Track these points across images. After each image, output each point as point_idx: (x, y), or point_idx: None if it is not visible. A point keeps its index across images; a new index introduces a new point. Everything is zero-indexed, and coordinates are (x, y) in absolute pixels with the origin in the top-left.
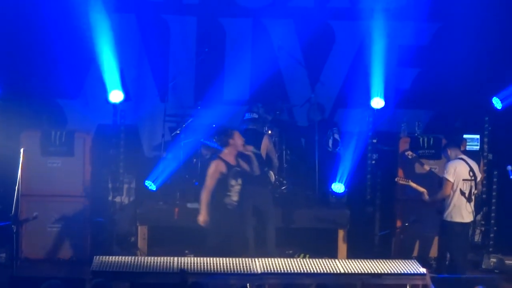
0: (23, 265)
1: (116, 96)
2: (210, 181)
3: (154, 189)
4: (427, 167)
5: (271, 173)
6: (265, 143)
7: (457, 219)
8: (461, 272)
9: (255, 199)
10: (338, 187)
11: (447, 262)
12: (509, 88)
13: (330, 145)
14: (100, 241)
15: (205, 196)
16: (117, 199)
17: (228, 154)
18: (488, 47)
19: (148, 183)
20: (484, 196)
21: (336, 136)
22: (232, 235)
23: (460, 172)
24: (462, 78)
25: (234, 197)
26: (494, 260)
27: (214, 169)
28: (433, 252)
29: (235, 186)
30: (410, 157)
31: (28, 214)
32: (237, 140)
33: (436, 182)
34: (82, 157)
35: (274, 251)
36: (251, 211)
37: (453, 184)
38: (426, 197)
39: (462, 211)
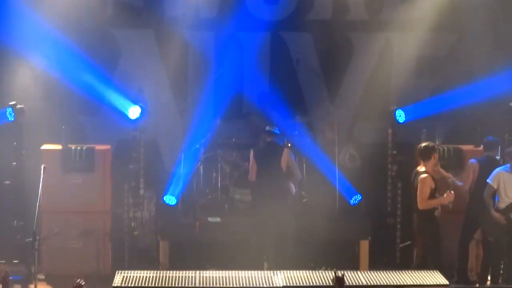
0: (44, 282)
1: (134, 112)
2: (424, 193)
3: (175, 202)
4: (448, 176)
5: (292, 185)
6: (286, 156)
7: None
8: None
9: (276, 211)
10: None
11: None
12: None
13: (347, 159)
14: (121, 256)
15: (430, 202)
16: (138, 214)
17: (431, 167)
18: (505, 56)
19: (167, 198)
20: None
21: (352, 150)
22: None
23: None
24: (480, 87)
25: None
26: None
27: (423, 184)
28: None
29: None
30: None
31: (49, 231)
32: (437, 155)
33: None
34: (102, 172)
35: (293, 263)
36: (271, 223)
37: None
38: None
39: None
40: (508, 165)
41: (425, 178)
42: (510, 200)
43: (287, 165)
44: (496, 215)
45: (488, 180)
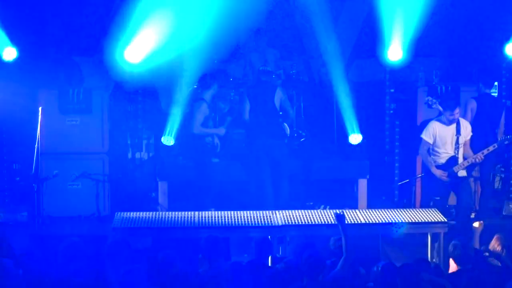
0: (45, 223)
1: (132, 52)
2: (197, 119)
3: (173, 143)
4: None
5: (286, 125)
6: (278, 95)
7: None
8: None
9: (270, 151)
10: (355, 137)
11: None
12: None
13: (345, 98)
14: (120, 197)
15: (202, 129)
16: (137, 155)
17: (210, 95)
18: None
19: (165, 138)
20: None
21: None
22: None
23: None
24: (479, 24)
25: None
26: None
27: (198, 110)
28: (452, 200)
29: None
30: (430, 103)
31: (48, 173)
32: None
33: None
34: (100, 114)
35: (290, 203)
36: (267, 164)
37: None
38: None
39: None
40: (441, 115)
41: (200, 103)
42: (448, 154)
43: (280, 104)
44: (438, 172)
45: (421, 135)
